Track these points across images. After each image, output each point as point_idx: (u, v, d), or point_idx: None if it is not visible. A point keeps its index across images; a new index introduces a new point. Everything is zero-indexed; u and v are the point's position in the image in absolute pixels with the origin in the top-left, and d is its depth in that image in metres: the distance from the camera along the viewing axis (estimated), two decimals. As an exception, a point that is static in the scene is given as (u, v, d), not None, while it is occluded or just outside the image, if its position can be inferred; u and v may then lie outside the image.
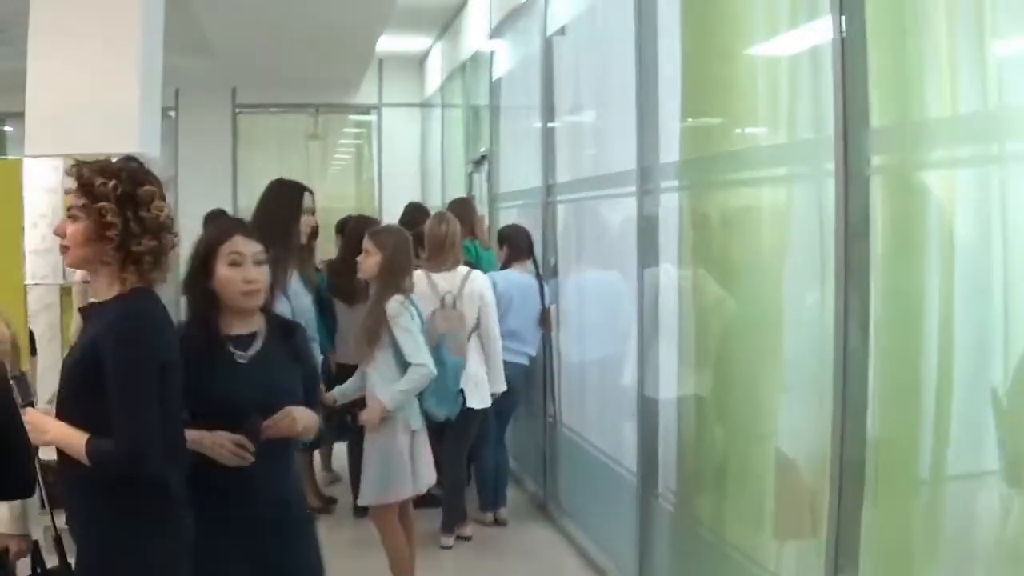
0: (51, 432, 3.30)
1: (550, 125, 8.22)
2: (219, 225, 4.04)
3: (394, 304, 5.68)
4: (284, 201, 5.86)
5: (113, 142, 6.28)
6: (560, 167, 8.06)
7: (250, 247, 3.77)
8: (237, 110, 15.53)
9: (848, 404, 3.79)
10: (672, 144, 5.64)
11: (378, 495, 5.79)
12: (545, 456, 8.04)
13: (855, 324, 3.78)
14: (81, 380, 3.26)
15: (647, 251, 5.87)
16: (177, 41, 10.29)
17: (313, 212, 6.05)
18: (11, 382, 3.52)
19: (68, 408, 3.32)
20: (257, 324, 3.84)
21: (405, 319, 5.70)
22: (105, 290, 3.38)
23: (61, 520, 3.46)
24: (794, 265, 4.51)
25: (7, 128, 15.40)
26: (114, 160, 3.42)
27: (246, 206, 9.71)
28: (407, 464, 5.75)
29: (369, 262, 5.83)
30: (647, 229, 5.87)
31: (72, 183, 3.35)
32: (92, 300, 3.43)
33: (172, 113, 14.71)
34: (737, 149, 5.15)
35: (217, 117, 15.27)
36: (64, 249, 3.36)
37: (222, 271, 3.74)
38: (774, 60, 4.72)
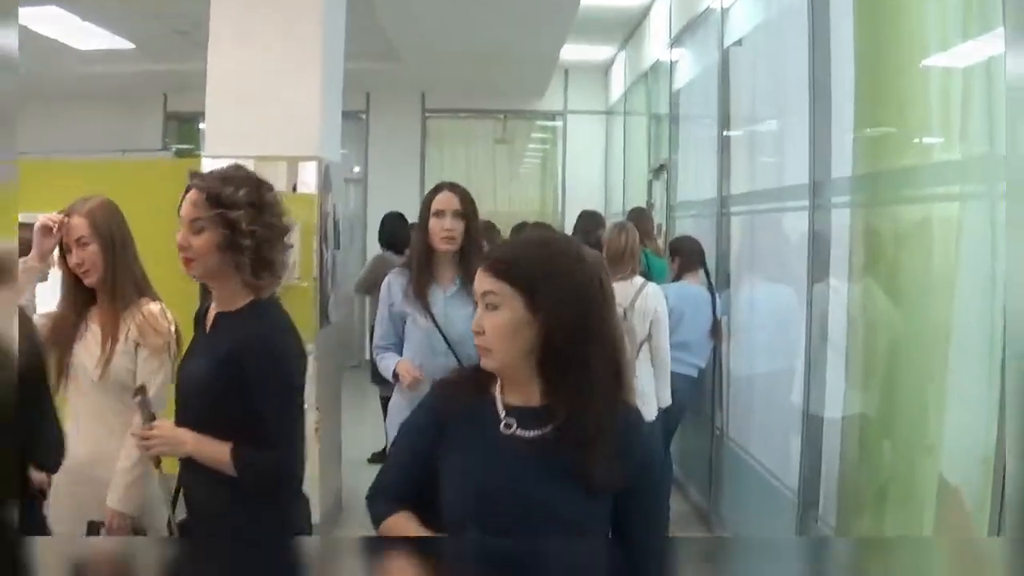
0: (189, 444, 3.36)
1: (725, 135, 8.15)
2: None
3: None
4: (422, 205, 5.18)
5: (293, 145, 6.43)
6: (735, 178, 7.98)
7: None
8: (426, 114, 15.88)
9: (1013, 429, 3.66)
10: (844, 157, 5.54)
11: None
12: (711, 468, 7.95)
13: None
14: (216, 390, 3.32)
15: (817, 266, 5.76)
16: (367, 47, 10.56)
17: (458, 214, 5.03)
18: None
19: (196, 415, 3.38)
20: (539, 398, 2.70)
21: None
22: (232, 299, 3.43)
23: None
24: (965, 284, 4.37)
25: (202, 126, 15.92)
26: (226, 168, 3.45)
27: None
28: None
29: None
30: (818, 244, 5.75)
31: (195, 194, 3.34)
32: (218, 310, 3.46)
33: (363, 116, 15.38)
34: (909, 166, 5.02)
35: (406, 121, 15.71)
36: (188, 262, 3.34)
37: None
38: (948, 72, 4.59)
